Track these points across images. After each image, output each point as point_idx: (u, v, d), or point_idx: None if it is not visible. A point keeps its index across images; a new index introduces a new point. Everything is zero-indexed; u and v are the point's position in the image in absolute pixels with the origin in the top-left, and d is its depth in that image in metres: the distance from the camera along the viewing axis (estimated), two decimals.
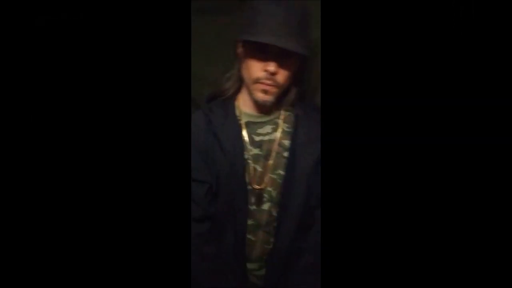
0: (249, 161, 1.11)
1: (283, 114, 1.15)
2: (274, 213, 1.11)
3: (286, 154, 1.11)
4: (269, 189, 1.11)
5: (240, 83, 1.12)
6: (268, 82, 1.04)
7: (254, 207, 1.10)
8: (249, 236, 1.11)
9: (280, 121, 1.15)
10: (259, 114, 1.14)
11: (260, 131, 1.13)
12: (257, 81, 1.05)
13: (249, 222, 1.10)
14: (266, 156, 1.11)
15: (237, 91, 1.13)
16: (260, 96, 1.06)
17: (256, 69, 1.04)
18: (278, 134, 1.13)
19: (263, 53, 1.03)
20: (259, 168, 1.11)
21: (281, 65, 1.03)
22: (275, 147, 1.12)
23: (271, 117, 1.14)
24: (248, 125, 1.13)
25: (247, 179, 1.10)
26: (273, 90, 1.05)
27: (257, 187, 1.11)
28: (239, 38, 1.03)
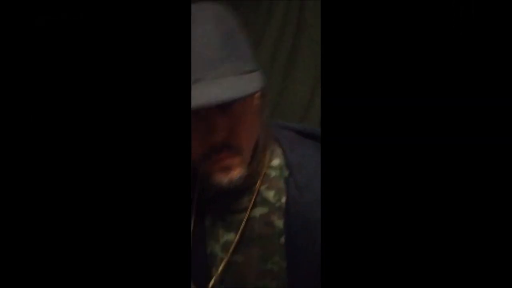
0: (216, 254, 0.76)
1: (265, 175, 0.78)
2: None
3: (282, 239, 0.75)
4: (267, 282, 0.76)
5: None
6: (224, 154, 0.71)
7: None
8: None
9: (263, 189, 0.77)
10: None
11: (233, 207, 0.77)
12: (208, 159, 0.72)
13: None
14: (249, 243, 0.76)
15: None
16: (222, 177, 0.72)
17: (199, 144, 0.71)
18: (263, 209, 0.76)
19: (199, 117, 0.69)
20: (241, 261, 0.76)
21: (232, 122, 0.70)
22: (262, 229, 0.76)
23: (247, 183, 0.77)
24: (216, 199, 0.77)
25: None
26: (237, 160, 0.72)
27: None
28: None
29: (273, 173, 0.79)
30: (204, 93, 0.65)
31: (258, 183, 0.77)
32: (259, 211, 0.77)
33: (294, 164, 0.78)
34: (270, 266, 0.76)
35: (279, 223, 0.76)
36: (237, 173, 0.72)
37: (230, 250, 0.75)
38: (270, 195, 0.77)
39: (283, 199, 0.77)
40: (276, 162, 0.80)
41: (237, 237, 0.75)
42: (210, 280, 0.76)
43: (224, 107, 0.69)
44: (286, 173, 0.79)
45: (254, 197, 0.77)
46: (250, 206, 0.77)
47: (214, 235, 0.77)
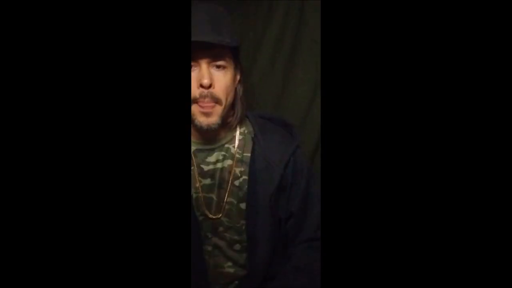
0: (200, 193, 1.02)
1: (235, 137, 1.04)
2: (237, 247, 1.05)
3: (237, 183, 1.03)
4: (225, 219, 1.04)
5: None
6: (206, 100, 0.93)
7: (209, 235, 1.05)
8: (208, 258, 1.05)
9: (231, 147, 1.04)
10: (206, 141, 1.02)
11: (209, 159, 1.03)
12: (195, 101, 0.93)
13: (207, 248, 1.05)
14: (220, 185, 1.03)
15: None
16: (202, 120, 0.95)
17: (192, 88, 0.92)
18: (229, 161, 1.03)
19: (195, 64, 0.92)
20: (214, 198, 1.04)
21: (216, 75, 0.93)
22: (227, 175, 1.03)
23: (221, 142, 1.04)
24: (196, 154, 1.02)
25: (198, 210, 1.03)
26: (215, 109, 0.95)
27: (212, 216, 1.03)
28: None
29: (241, 136, 1.04)
30: (200, 37, 0.88)
31: (230, 142, 1.04)
32: (228, 163, 1.03)
33: (259, 134, 1.05)
34: (228, 206, 1.04)
35: (238, 171, 1.03)
36: (214, 119, 0.95)
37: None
38: (238, 151, 1.04)
39: (247, 154, 1.04)
40: (244, 129, 1.07)
41: (212, 181, 1.04)
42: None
43: (215, 60, 0.93)
44: (252, 135, 1.06)
45: (224, 152, 1.04)
46: (221, 159, 1.04)
47: (193, 181, 1.02)
